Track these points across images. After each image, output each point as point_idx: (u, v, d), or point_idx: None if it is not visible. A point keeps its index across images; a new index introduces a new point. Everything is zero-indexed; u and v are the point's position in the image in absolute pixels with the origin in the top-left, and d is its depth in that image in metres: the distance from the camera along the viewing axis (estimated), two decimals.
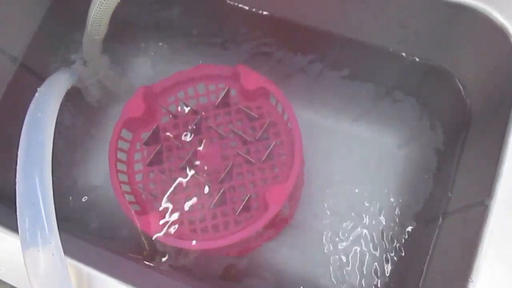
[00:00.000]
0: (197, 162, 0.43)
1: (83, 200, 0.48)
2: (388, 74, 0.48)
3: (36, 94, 0.35)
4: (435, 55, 0.44)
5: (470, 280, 0.30)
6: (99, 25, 0.39)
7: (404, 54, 0.46)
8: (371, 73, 0.48)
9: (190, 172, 0.42)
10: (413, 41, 0.44)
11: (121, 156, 0.43)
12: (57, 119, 0.35)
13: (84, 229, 0.47)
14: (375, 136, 0.48)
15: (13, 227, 0.31)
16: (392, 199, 0.46)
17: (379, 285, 0.44)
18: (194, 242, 0.39)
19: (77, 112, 0.50)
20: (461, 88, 0.44)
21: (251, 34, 0.50)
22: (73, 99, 0.49)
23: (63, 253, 0.29)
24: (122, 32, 0.51)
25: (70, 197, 0.48)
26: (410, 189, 0.46)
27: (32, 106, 0.34)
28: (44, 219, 0.29)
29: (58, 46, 0.50)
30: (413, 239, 0.44)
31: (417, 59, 0.46)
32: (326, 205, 0.47)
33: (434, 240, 0.41)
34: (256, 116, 0.43)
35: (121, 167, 0.42)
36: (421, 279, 0.40)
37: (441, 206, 0.42)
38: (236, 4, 0.48)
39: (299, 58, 0.49)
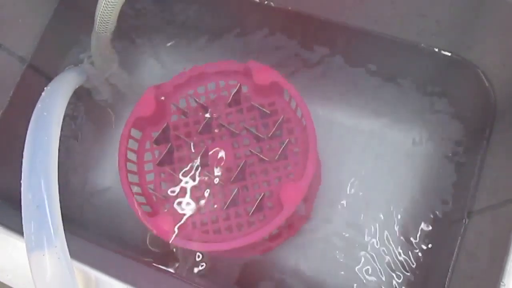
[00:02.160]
0: (209, 161, 0.42)
1: (92, 201, 0.47)
2: (407, 68, 0.46)
3: (43, 94, 0.35)
4: (458, 46, 0.42)
5: (502, 283, 0.28)
6: (107, 23, 0.38)
7: (424, 45, 0.44)
8: (388, 66, 0.46)
9: (202, 172, 0.41)
10: (434, 31, 0.42)
11: (131, 156, 0.42)
12: (66, 119, 0.34)
13: (93, 231, 0.46)
14: (393, 133, 0.46)
15: (20, 230, 0.30)
16: (412, 198, 0.44)
17: None
18: (206, 244, 0.38)
19: (86, 112, 0.50)
20: (486, 81, 0.42)
21: (262, 28, 0.48)
22: (82, 99, 0.49)
23: (69, 257, 0.28)
24: (131, 30, 0.50)
25: (79, 199, 0.47)
26: (431, 188, 0.44)
27: (38, 105, 0.34)
28: (50, 221, 0.28)
29: (66, 46, 0.50)
30: (436, 241, 0.42)
31: (438, 51, 0.44)
32: (342, 204, 0.45)
33: (459, 242, 0.39)
34: (269, 112, 0.42)
35: (131, 167, 0.41)
36: (447, 282, 0.38)
37: (465, 205, 0.40)
38: None
39: (313, 52, 0.48)
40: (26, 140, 0.31)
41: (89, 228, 0.46)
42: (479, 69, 0.42)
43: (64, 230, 0.29)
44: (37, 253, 0.28)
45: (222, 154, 0.42)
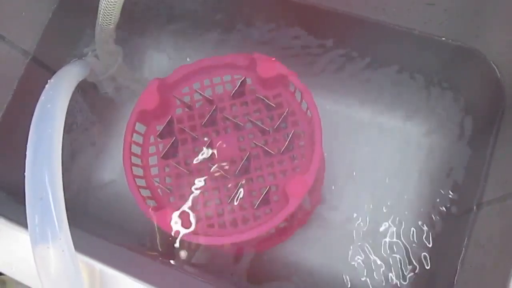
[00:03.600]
0: (213, 155, 0.41)
1: (97, 195, 0.47)
2: (414, 58, 0.46)
3: (47, 86, 0.34)
4: (467, 35, 0.42)
5: None
6: (111, 15, 0.38)
7: (431, 35, 0.43)
8: (395, 57, 0.46)
9: (206, 165, 0.41)
10: (442, 20, 0.41)
11: (136, 149, 0.42)
12: (70, 112, 0.34)
13: (98, 224, 0.46)
14: (400, 124, 0.46)
15: (24, 223, 0.30)
16: (420, 190, 0.43)
17: (407, 284, 0.41)
18: (211, 238, 0.38)
19: (91, 106, 0.49)
20: (495, 70, 0.41)
21: (267, 21, 0.48)
22: (87, 92, 0.49)
23: (73, 249, 0.28)
24: (135, 23, 0.50)
25: (84, 192, 0.47)
26: (439, 179, 0.43)
27: (42, 98, 0.33)
28: (54, 214, 0.28)
29: (70, 39, 0.50)
30: (444, 233, 0.42)
31: (446, 40, 0.43)
32: (349, 197, 0.45)
33: (468, 233, 0.38)
34: (274, 105, 0.41)
35: (136, 160, 0.41)
36: (456, 275, 0.38)
37: (474, 196, 0.39)
38: None
39: (318, 43, 0.47)
40: (30, 132, 0.31)
41: (93, 222, 0.46)
42: (489, 59, 0.42)
43: (69, 223, 0.28)
44: (41, 246, 0.27)
45: (226, 147, 0.41)
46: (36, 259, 0.27)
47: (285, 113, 0.40)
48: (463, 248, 0.38)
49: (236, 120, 0.41)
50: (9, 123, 0.45)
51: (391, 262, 0.42)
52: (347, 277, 0.43)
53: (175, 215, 0.38)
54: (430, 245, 0.42)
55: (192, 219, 0.39)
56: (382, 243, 0.43)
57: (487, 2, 0.37)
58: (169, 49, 0.51)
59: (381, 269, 0.43)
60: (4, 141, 0.45)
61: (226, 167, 0.41)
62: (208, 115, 0.42)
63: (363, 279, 0.42)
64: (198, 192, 0.40)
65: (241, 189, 0.39)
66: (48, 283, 0.27)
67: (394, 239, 0.43)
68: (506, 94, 0.41)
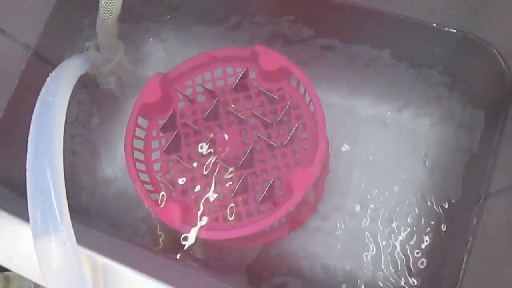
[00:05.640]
0: (216, 148, 0.41)
1: (99, 190, 0.47)
2: (418, 49, 0.45)
3: (48, 79, 0.34)
4: (471, 24, 0.41)
5: None
6: (112, 8, 0.38)
7: (436, 24, 0.43)
8: (399, 48, 0.45)
9: (209, 159, 0.40)
10: (447, 9, 0.40)
11: (138, 144, 0.41)
12: (71, 107, 0.33)
13: (102, 219, 0.46)
14: (405, 116, 0.45)
15: (26, 217, 0.30)
16: (426, 182, 0.43)
17: (413, 276, 0.41)
18: (215, 232, 0.37)
19: (92, 100, 0.49)
20: (501, 59, 0.41)
21: (268, 12, 0.47)
22: (88, 87, 0.48)
23: (75, 242, 0.28)
24: (137, 17, 0.50)
25: (86, 188, 0.47)
26: (445, 171, 0.43)
27: (43, 91, 0.33)
28: (56, 207, 0.28)
29: (71, 33, 0.49)
30: (450, 224, 0.41)
31: (450, 30, 0.42)
32: (353, 190, 0.44)
33: (475, 224, 0.38)
34: (277, 98, 0.41)
35: (139, 155, 0.41)
36: (462, 267, 0.37)
37: (481, 187, 0.39)
38: None
39: (321, 35, 0.47)
40: (31, 125, 0.31)
41: (96, 217, 0.46)
42: (494, 48, 0.41)
43: (71, 218, 0.28)
44: (43, 239, 0.27)
45: (229, 141, 0.41)
46: (38, 252, 0.27)
47: (287, 106, 0.40)
48: (470, 239, 0.38)
49: (239, 113, 0.41)
50: (10, 118, 0.45)
51: (397, 253, 0.42)
52: (352, 268, 0.42)
53: (178, 209, 0.38)
54: (437, 236, 0.41)
55: (195, 213, 0.39)
56: (388, 234, 0.43)
57: None
58: (170, 43, 0.51)
59: (388, 260, 0.42)
60: (6, 135, 0.45)
61: (229, 161, 0.40)
62: (211, 109, 0.41)
63: (369, 270, 0.42)
64: (201, 186, 0.40)
65: (245, 183, 0.39)
66: (50, 276, 0.27)
67: (400, 230, 0.43)
68: None
